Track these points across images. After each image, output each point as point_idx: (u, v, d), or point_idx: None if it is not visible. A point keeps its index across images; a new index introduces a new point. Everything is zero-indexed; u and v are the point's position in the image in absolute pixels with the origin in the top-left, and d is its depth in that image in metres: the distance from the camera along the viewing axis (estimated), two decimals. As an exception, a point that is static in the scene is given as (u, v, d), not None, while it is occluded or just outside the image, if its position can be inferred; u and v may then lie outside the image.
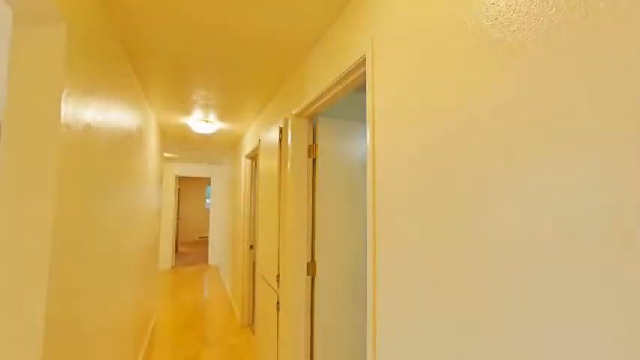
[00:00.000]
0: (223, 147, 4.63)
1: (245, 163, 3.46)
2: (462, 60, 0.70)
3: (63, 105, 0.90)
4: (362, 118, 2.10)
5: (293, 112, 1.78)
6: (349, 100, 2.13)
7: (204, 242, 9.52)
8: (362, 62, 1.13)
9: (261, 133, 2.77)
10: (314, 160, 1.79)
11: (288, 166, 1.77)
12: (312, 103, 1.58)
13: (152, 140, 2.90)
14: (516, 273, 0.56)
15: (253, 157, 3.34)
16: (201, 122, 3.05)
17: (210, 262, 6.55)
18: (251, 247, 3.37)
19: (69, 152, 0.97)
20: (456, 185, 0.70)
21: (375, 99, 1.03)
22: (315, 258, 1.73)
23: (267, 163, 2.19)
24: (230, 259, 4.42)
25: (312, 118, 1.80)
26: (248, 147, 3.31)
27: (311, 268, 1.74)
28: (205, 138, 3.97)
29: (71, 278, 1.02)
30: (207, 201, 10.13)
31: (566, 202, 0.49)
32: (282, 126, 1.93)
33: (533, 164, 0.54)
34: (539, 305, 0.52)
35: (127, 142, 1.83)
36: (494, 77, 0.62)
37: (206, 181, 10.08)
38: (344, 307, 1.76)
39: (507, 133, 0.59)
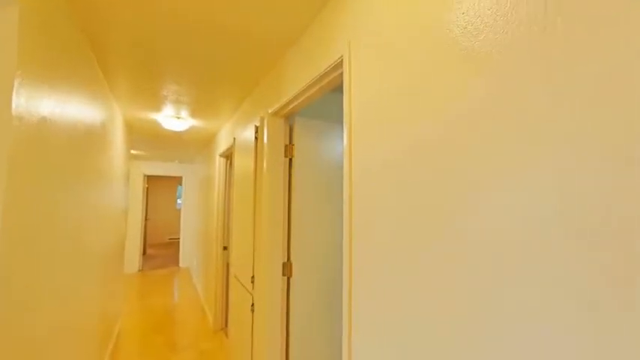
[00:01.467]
0: (196, 145, 4.47)
1: (219, 162, 3.36)
2: (435, 66, 0.73)
3: (14, 96, 0.82)
4: (339, 119, 2.12)
5: (269, 111, 1.76)
6: (327, 101, 2.14)
7: (174, 244, 9.12)
8: (339, 64, 1.14)
9: (236, 131, 2.70)
10: (290, 160, 1.78)
11: (264, 166, 1.75)
12: (288, 103, 1.57)
13: (118, 136, 2.73)
14: (490, 273, 0.60)
15: (228, 156, 3.26)
16: (172, 119, 2.92)
17: (181, 265, 6.29)
18: (225, 248, 3.28)
19: (22, 146, 0.89)
20: (430, 187, 0.73)
21: (352, 101, 1.05)
22: (292, 258, 1.72)
23: (243, 162, 2.14)
24: (202, 261, 4.28)
25: (288, 118, 1.79)
26: (222, 145, 3.22)
27: (287, 269, 1.73)
28: (177, 135, 3.81)
29: (25, 280, 0.94)
30: (179, 201, 9.72)
31: (535, 205, 0.53)
32: (258, 124, 1.90)
33: (503, 169, 0.58)
34: (511, 304, 0.56)
35: (89, 138, 1.71)
36: (464, 84, 0.65)
37: (177, 180, 9.66)
38: (321, 308, 1.76)
39: (478, 138, 0.62)
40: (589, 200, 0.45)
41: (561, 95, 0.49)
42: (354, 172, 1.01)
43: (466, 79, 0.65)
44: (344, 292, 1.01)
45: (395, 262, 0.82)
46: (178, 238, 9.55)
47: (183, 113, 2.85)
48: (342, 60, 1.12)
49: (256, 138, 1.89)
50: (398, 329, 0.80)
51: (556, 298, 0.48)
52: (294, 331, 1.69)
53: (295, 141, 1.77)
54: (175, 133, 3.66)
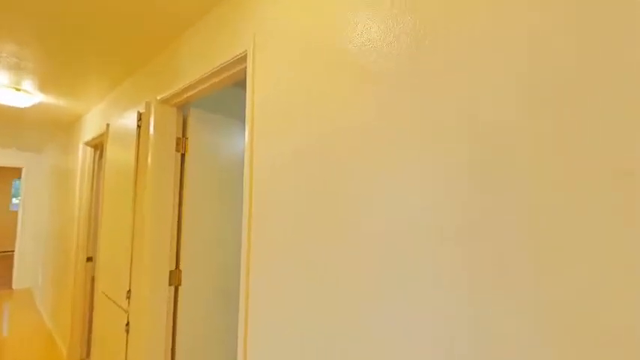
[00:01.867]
0: (48, 128, 3.45)
1: (85, 152, 2.70)
2: (335, 75, 0.79)
3: None
4: (240, 116, 2.04)
5: (159, 98, 1.53)
6: (229, 95, 2.02)
7: (6, 259, 6.78)
8: (243, 57, 1.10)
9: (111, 116, 2.23)
10: (183, 156, 1.60)
11: (150, 160, 1.51)
12: (183, 91, 1.40)
13: None
14: (379, 267, 0.68)
15: (97, 145, 2.65)
16: (8, 89, 2.17)
17: (15, 286, 4.72)
18: (89, 259, 2.66)
19: None
20: (327, 187, 0.78)
21: (255, 98, 1.02)
22: (181, 265, 1.54)
23: (119, 154, 1.78)
24: (54, 278, 3.33)
25: (182, 108, 1.60)
26: (90, 132, 2.60)
27: (175, 277, 1.53)
28: (15, 113, 2.85)
29: None
30: (15, 201, 7.29)
31: (412, 206, 0.63)
32: (142, 111, 1.62)
33: (388, 173, 0.67)
34: (390, 293, 0.65)
35: None
36: (359, 96, 0.73)
37: (14, 173, 7.23)
38: (216, 315, 1.64)
39: (368, 146, 0.71)
40: (454, 203, 0.57)
41: (430, 113, 0.61)
42: (256, 170, 0.99)
43: (360, 92, 0.73)
44: (241, 296, 0.97)
45: (292, 263, 0.84)
46: (12, 251, 7.14)
47: (27, 84, 2.16)
48: (246, 54, 1.08)
49: (139, 127, 1.61)
50: (295, 331, 0.82)
51: (425, 284, 0.59)
52: (182, 345, 1.51)
53: (190, 134, 1.60)
54: (13, 109, 2.73)
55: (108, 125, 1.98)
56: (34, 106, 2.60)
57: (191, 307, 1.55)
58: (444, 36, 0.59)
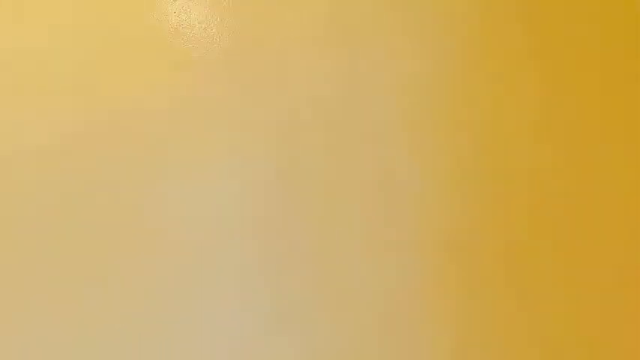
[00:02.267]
0: None
1: None
2: (136, 48, 0.65)
3: None
4: None
5: None
6: None
7: None
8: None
9: None
10: None
11: None
12: None
13: None
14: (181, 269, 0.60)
15: None
16: None
17: None
18: None
19: None
20: (117, 180, 0.62)
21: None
22: None
23: None
24: None
25: None
26: None
27: None
28: None
29: None
30: None
31: (214, 200, 0.61)
32: None
33: (196, 161, 0.62)
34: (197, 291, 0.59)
35: None
36: (171, 80, 0.64)
37: None
38: None
39: (176, 133, 0.63)
40: (257, 199, 0.61)
41: (244, 111, 0.63)
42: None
43: (172, 77, 0.65)
44: None
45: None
46: None
47: None
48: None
49: None
50: None
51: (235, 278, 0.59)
52: None
53: None
54: None
55: None
56: None
57: None
58: (260, 39, 0.65)
